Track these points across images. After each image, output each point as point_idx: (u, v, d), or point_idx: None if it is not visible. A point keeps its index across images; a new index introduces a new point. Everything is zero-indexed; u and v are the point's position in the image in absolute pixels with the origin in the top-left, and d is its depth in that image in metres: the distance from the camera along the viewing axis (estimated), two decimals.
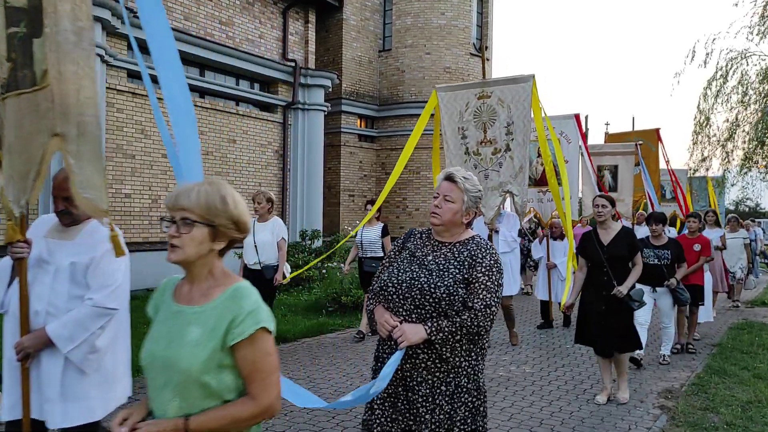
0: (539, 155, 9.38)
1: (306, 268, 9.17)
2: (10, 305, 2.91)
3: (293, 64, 15.35)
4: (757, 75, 17.14)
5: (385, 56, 20.45)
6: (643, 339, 6.52)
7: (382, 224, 8.26)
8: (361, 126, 20.08)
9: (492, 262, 2.63)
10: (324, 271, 9.27)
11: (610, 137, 14.20)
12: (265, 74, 14.93)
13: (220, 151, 13.79)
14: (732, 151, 18.38)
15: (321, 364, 6.84)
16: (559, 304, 8.42)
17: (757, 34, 16.55)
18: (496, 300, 2.57)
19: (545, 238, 9.67)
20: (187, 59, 13.33)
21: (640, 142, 12.09)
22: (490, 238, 7.55)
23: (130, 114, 11.85)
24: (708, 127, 18.48)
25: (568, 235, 7.60)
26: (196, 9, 13.36)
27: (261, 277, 6.72)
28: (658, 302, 6.99)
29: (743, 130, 17.86)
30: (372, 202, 8.46)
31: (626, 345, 5.51)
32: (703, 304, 8.05)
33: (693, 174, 18.48)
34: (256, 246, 6.88)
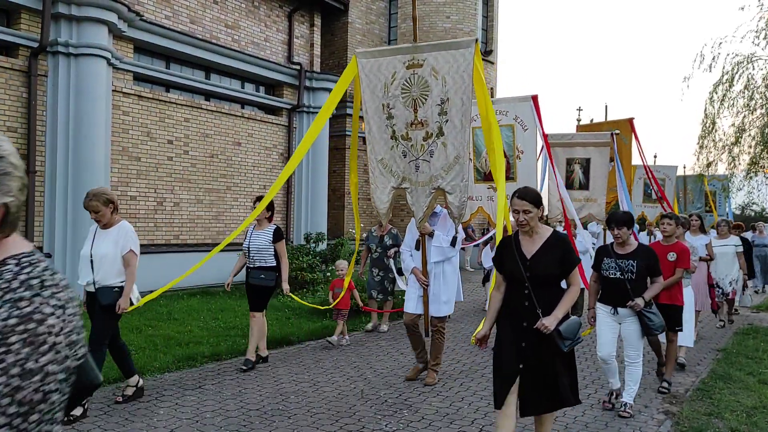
0: None
1: (157, 293, 5.98)
2: None
3: (298, 67, 15.38)
4: (764, 79, 17.08)
5: None
6: (614, 381, 5.55)
7: (275, 226, 6.88)
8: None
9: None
10: (328, 274, 9.23)
11: (581, 129, 12.38)
12: (271, 77, 14.97)
13: (225, 153, 13.82)
14: (738, 155, 18.31)
15: (325, 367, 6.84)
16: None
17: (763, 38, 16.48)
18: None
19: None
20: (193, 62, 13.40)
21: (616, 132, 10.63)
22: (421, 243, 6.23)
23: (136, 117, 11.90)
24: (714, 131, 18.42)
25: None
26: (202, 12, 13.40)
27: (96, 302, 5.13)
28: (621, 328, 5.39)
29: (749, 135, 17.79)
30: (261, 199, 6.82)
31: (555, 401, 3.87)
32: (681, 330, 6.26)
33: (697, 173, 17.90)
34: (92, 260, 5.15)
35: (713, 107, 18.07)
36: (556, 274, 3.87)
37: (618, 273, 5.32)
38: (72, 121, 10.45)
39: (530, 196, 3.87)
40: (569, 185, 9.96)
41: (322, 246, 14.20)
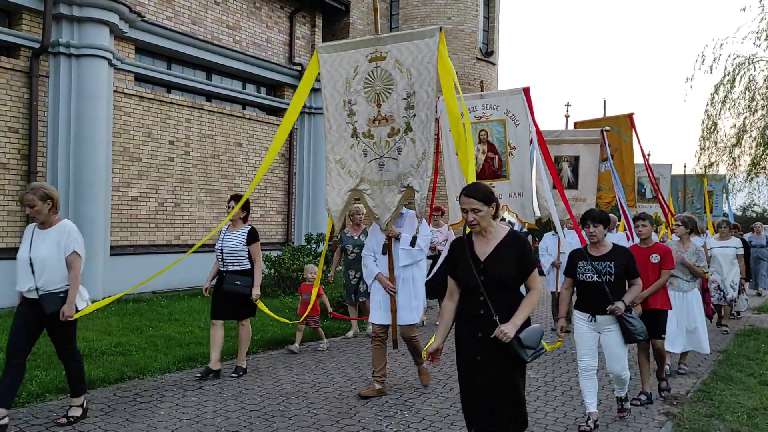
0: (480, 140, 7.81)
1: (110, 300, 5.71)
2: None
3: (300, 67, 15.39)
4: (765, 81, 17.08)
5: None
6: (591, 402, 4.99)
7: (249, 227, 6.49)
8: None
9: None
10: (330, 274, 9.19)
11: (579, 125, 11.75)
12: (272, 78, 14.99)
13: (226, 154, 13.83)
14: (739, 156, 18.31)
15: (325, 368, 6.84)
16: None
17: (764, 40, 16.50)
18: None
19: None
20: (194, 63, 13.41)
21: (607, 129, 9.95)
22: (388, 247, 5.83)
23: (137, 117, 11.91)
24: (715, 132, 18.42)
25: None
26: (204, 13, 13.41)
27: (40, 312, 4.65)
28: (601, 338, 5.01)
29: (750, 136, 17.79)
30: (237, 198, 6.49)
31: (509, 421, 3.43)
32: (664, 336, 6.04)
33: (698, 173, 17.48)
34: (31, 264, 4.64)
35: (714, 108, 18.08)
36: (514, 276, 3.46)
37: (595, 276, 4.89)
38: (73, 121, 10.46)
39: (479, 193, 3.50)
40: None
41: (323, 247, 14.19)
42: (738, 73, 17.38)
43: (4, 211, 9.93)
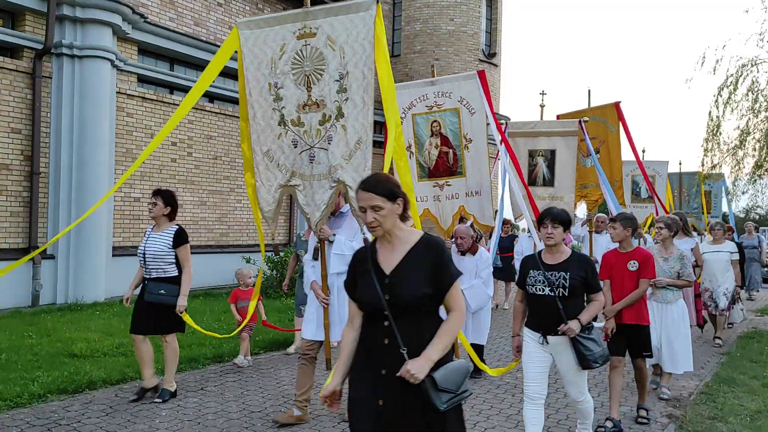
0: (432, 133, 6.91)
1: None
2: None
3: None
4: None
5: (393, 62, 20.46)
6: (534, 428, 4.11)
7: (177, 227, 5.53)
8: None
9: None
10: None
11: (562, 117, 10.39)
12: None
13: (228, 155, 13.84)
14: (743, 158, 18.29)
15: (328, 370, 6.82)
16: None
17: (767, 41, 16.48)
18: None
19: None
20: (196, 64, 13.42)
21: (586, 120, 8.85)
22: (320, 251, 5.02)
23: (139, 118, 11.93)
24: (719, 134, 18.40)
25: None
26: (206, 14, 13.44)
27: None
28: (556, 362, 4.19)
29: (754, 138, 17.78)
30: (161, 193, 5.62)
31: None
32: (650, 355, 5.27)
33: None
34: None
35: (718, 110, 18.05)
36: (428, 294, 2.58)
37: (547, 288, 4.10)
38: (76, 122, 10.48)
39: (380, 186, 2.65)
40: (532, 181, 8.66)
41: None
42: (741, 75, 17.37)
43: (6, 212, 9.95)
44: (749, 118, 17.68)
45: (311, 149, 4.92)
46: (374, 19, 4.67)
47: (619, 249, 5.28)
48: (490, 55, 20.71)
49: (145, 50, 12.35)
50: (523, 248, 9.31)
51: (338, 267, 4.95)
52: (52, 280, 10.30)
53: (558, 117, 10.17)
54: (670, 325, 5.93)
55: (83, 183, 10.44)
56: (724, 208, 17.67)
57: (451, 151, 6.86)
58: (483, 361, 6.34)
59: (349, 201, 4.81)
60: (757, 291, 14.63)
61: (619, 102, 9.64)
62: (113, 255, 11.16)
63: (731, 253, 8.64)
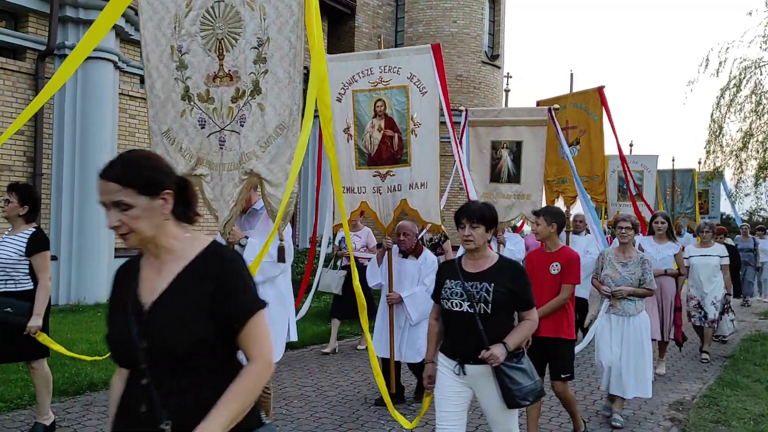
0: (376, 114, 5.82)
1: None
2: None
3: (305, 71, 15.38)
4: None
5: None
6: None
7: (33, 229, 4.52)
8: None
9: None
10: None
11: (541, 104, 8.94)
12: None
13: None
14: (746, 161, 18.26)
15: (329, 372, 6.82)
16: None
17: None
18: None
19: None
20: None
21: (557, 107, 7.73)
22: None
23: (142, 120, 11.93)
24: (721, 136, 18.38)
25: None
26: None
27: None
28: (477, 396, 3.39)
29: (757, 140, 17.74)
30: (15, 189, 4.53)
31: None
32: (570, 377, 4.48)
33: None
34: None
35: (720, 112, 18.02)
36: (202, 340, 1.73)
37: (465, 303, 3.23)
38: (79, 123, 10.49)
39: (129, 172, 1.84)
40: (495, 177, 7.59)
41: (329, 249, 14.19)
42: (744, 77, 17.34)
43: None
44: (752, 120, 17.65)
45: (221, 132, 3.97)
46: None
47: (545, 249, 4.56)
48: (493, 57, 20.70)
49: None
50: None
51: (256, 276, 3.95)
52: (54, 281, 10.26)
53: (538, 103, 9.03)
54: (632, 342, 5.09)
55: (86, 184, 10.43)
56: (723, 209, 16.66)
57: (396, 135, 5.84)
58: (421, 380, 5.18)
59: (264, 197, 3.89)
60: (751, 296, 13.65)
61: (603, 87, 8.49)
62: (115, 256, 11.16)
63: (721, 257, 7.68)
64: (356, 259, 6.65)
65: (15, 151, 10.05)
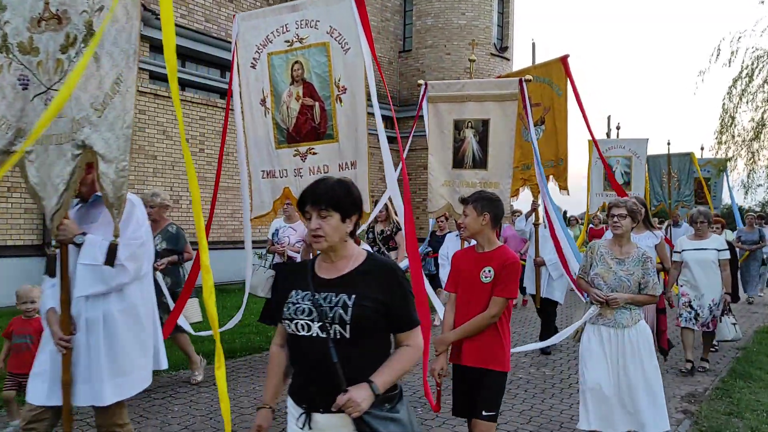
0: (294, 80, 4.83)
1: None
2: None
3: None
4: None
5: (405, 57, 20.44)
6: None
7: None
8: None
9: None
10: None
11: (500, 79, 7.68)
12: None
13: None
14: (758, 151, 18.11)
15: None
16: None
17: None
18: None
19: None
20: (208, 60, 13.46)
21: (527, 79, 6.34)
22: (58, 261, 3.00)
23: (152, 115, 11.98)
24: (733, 126, 18.23)
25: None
26: (218, 11, 13.46)
27: None
28: None
29: None
30: None
31: None
32: (493, 417, 3.30)
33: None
34: None
35: (732, 102, 17.88)
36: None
37: (316, 325, 2.13)
38: None
39: None
40: (459, 162, 6.36)
41: None
42: (756, 67, 17.19)
43: (21, 209, 10.03)
44: (764, 110, 17.51)
45: (48, 92, 2.98)
46: None
47: (477, 249, 3.52)
48: (502, 48, 20.60)
49: (156, 47, 12.38)
50: (448, 250, 7.43)
51: (87, 286, 3.02)
52: None
53: (498, 77, 7.90)
54: (630, 360, 3.93)
55: None
56: (726, 199, 15.27)
57: (317, 104, 4.75)
58: None
59: (97, 178, 2.93)
60: (758, 295, 12.50)
61: (567, 55, 7.24)
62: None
63: (719, 251, 6.54)
64: (289, 257, 6.30)
65: None
